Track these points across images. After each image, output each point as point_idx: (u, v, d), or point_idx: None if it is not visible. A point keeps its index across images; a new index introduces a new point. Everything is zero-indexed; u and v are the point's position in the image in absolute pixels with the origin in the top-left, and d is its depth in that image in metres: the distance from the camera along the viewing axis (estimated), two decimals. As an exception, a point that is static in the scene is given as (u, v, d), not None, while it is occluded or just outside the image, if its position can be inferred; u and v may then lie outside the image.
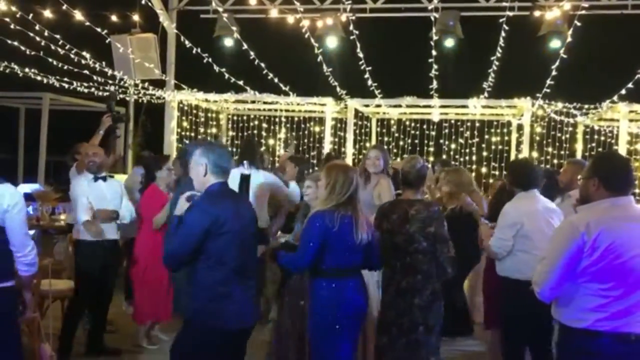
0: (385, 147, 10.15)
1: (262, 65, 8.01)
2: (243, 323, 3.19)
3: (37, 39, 6.98)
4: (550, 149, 9.30)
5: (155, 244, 4.96)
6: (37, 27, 6.78)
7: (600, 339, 2.75)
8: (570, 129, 9.35)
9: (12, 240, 3.19)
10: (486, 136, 9.67)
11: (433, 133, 9.78)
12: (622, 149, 7.76)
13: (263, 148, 8.35)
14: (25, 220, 3.27)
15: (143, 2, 7.42)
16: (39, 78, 8.46)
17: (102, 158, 4.97)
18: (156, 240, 4.97)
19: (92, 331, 5.03)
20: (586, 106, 8.56)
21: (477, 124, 9.69)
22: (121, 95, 9.86)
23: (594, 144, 9.37)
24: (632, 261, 2.74)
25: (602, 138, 9.45)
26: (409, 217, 3.82)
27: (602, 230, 2.75)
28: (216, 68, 8.12)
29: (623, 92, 7.63)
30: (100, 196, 4.85)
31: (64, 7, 6.33)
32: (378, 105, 9.00)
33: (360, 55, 7.66)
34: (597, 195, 2.89)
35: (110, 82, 8.92)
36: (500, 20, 6.99)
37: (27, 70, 8.11)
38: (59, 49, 7.32)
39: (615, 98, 7.85)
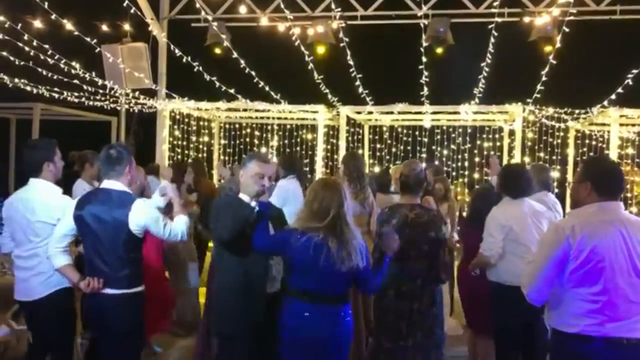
0: (378, 153, 10.23)
1: (253, 73, 8.01)
2: None
3: (27, 49, 6.95)
4: (542, 154, 9.33)
5: (157, 254, 4.92)
6: (26, 37, 6.75)
7: (593, 343, 2.74)
8: (562, 133, 9.38)
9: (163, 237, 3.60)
10: (478, 142, 9.69)
11: (425, 139, 9.79)
12: (613, 153, 7.79)
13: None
14: (161, 222, 3.50)
15: (133, 11, 7.41)
16: (28, 88, 8.41)
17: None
18: (158, 249, 4.94)
19: None
20: (577, 111, 8.59)
21: (469, 130, 9.71)
22: (112, 105, 9.81)
23: (585, 149, 9.41)
24: (617, 264, 2.74)
25: (594, 142, 9.50)
26: (408, 222, 3.79)
27: (585, 233, 2.75)
28: (207, 77, 8.11)
29: (613, 97, 7.67)
30: None
31: (53, 16, 6.30)
32: (370, 112, 9.01)
33: (352, 62, 7.67)
34: (589, 199, 2.89)
35: (101, 91, 8.88)
36: (490, 26, 7.02)
37: (16, 80, 8.07)
38: (49, 59, 7.29)
39: (605, 103, 7.89)
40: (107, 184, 3.54)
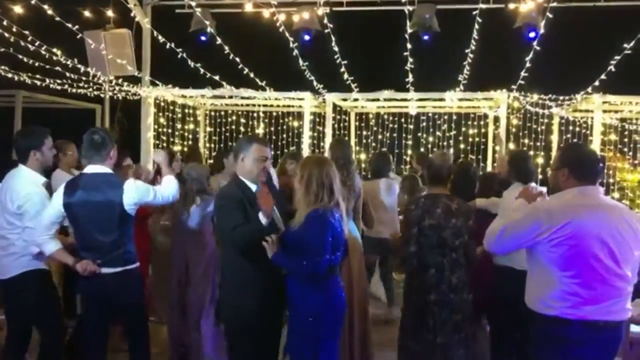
0: (364, 140, 10.24)
1: (238, 60, 7.95)
2: None
3: (6, 35, 6.83)
4: (526, 141, 9.39)
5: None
6: (5, 23, 6.64)
7: (570, 326, 2.80)
8: (546, 120, 9.44)
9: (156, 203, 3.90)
10: (463, 129, 9.73)
11: (411, 126, 9.81)
12: (596, 139, 7.87)
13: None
14: (151, 192, 3.73)
15: (116, -3, 7.31)
16: (10, 75, 8.28)
17: None
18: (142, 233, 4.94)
19: None
20: (561, 98, 8.64)
21: (454, 117, 9.74)
22: (96, 93, 9.70)
23: (569, 135, 9.48)
24: (594, 248, 2.79)
25: (577, 129, 9.57)
26: (453, 211, 3.79)
27: (563, 216, 2.81)
28: (192, 63, 8.04)
29: (597, 83, 7.73)
30: None
31: (34, 1, 6.20)
32: (356, 99, 9.00)
33: (337, 49, 7.65)
34: (567, 185, 2.95)
35: (84, 79, 8.77)
36: (474, 12, 7.02)
37: (-3, 67, 7.96)
38: (30, 46, 7.17)
39: (589, 89, 7.94)
40: (91, 168, 3.62)
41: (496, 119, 8.90)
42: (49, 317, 3.90)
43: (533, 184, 4.23)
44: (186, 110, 9.96)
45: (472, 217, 3.86)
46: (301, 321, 3.31)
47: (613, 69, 7.26)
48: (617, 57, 7.12)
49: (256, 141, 3.51)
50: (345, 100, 9.16)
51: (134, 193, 3.59)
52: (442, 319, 3.78)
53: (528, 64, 7.46)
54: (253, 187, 3.46)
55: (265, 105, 9.97)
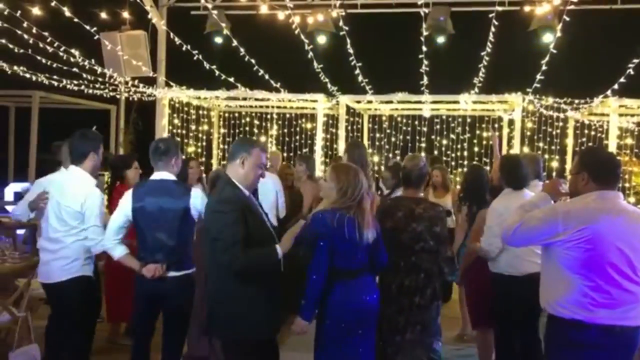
0: (377, 143, 10.24)
1: (253, 61, 7.99)
2: None
3: (26, 36, 6.92)
4: (541, 144, 9.33)
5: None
6: (25, 25, 6.72)
7: (586, 330, 2.78)
8: (561, 123, 9.38)
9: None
10: (477, 132, 9.69)
11: (425, 129, 9.79)
12: (612, 143, 7.80)
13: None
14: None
15: (133, -1, 7.39)
16: (27, 76, 8.39)
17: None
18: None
19: None
20: (577, 101, 8.58)
21: (469, 120, 9.71)
22: (111, 93, 9.79)
23: (584, 139, 9.40)
24: (611, 253, 2.77)
25: (593, 133, 9.49)
26: (415, 215, 3.78)
27: (581, 220, 2.79)
28: (207, 65, 8.09)
29: (616, 86, 7.66)
30: None
31: (53, 4, 6.28)
32: (369, 102, 8.99)
33: (351, 51, 7.66)
34: (587, 189, 2.92)
35: (100, 79, 8.86)
36: (490, 15, 7.01)
37: (15, 68, 8.04)
38: (48, 47, 7.26)
39: (608, 93, 7.87)
40: (157, 175, 3.76)
41: (511, 122, 8.85)
42: (78, 323, 3.92)
43: (562, 180, 4.15)
44: (200, 112, 10.02)
45: (439, 223, 3.77)
46: (323, 318, 3.33)
47: (632, 72, 7.19)
48: (635, 60, 7.06)
49: (258, 146, 3.33)
50: (358, 102, 9.17)
51: (199, 202, 3.69)
52: (387, 316, 3.77)
53: (544, 67, 7.42)
54: (245, 192, 3.25)
55: (278, 107, 10.01)
